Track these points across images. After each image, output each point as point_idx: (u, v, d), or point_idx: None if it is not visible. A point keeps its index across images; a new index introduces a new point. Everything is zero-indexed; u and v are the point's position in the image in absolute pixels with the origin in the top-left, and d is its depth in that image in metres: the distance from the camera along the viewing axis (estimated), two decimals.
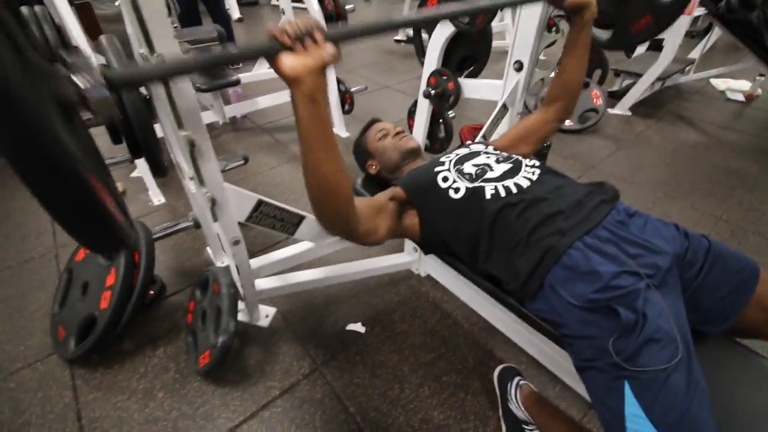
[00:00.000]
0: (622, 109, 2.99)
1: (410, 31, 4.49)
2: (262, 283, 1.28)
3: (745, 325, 0.81)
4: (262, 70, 2.72)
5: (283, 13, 2.59)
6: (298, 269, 1.40)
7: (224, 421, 1.15)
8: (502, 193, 0.85)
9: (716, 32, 3.16)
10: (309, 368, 1.29)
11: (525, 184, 0.87)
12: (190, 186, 0.94)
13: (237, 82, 2.14)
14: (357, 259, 1.55)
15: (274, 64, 0.56)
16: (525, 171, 0.91)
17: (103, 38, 0.95)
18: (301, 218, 1.10)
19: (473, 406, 1.19)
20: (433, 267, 1.47)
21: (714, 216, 1.98)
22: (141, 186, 2.16)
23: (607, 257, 0.74)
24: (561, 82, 1.08)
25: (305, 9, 2.36)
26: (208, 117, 2.76)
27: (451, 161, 0.99)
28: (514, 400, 1.06)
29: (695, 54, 3.29)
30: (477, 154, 0.99)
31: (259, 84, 2.66)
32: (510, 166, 0.93)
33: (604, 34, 1.36)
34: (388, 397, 1.21)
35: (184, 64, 0.49)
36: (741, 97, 3.18)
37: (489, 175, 0.91)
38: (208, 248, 1.76)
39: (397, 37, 4.61)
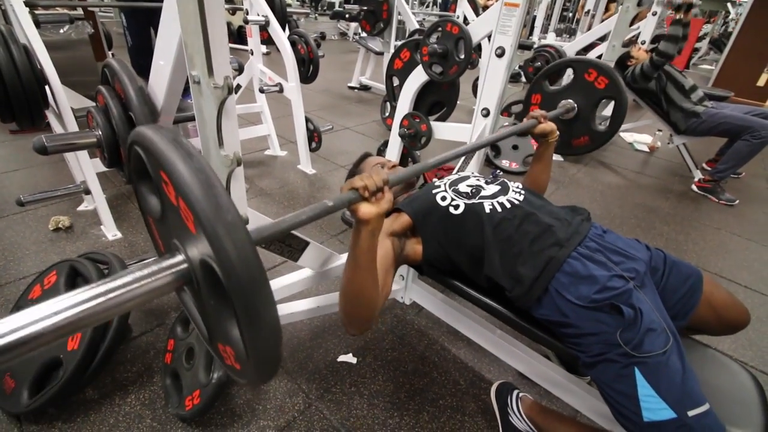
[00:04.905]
0: (555, 155, 3.42)
1: (363, 79, 4.78)
2: None
3: (697, 322, 0.99)
4: None
5: (252, 54, 2.66)
6: (286, 301, 1.37)
7: None
8: (498, 209, 0.97)
9: None
10: (303, 404, 1.24)
11: (516, 201, 1.00)
12: None
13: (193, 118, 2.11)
14: None
15: (353, 208, 0.69)
16: (513, 191, 1.05)
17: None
18: (306, 244, 1.11)
19: (472, 427, 1.21)
20: (418, 293, 1.52)
21: None
22: (91, 220, 1.98)
23: (598, 264, 0.87)
24: (531, 181, 1.29)
25: (268, 52, 2.45)
26: None
27: (445, 184, 1.09)
28: (516, 412, 1.11)
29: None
30: (467, 177, 1.12)
31: None
32: (499, 187, 1.06)
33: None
34: (389, 426, 1.20)
35: (299, 219, 0.59)
36: (646, 148, 3.81)
37: (483, 193, 1.03)
38: None
39: (351, 84, 4.86)
